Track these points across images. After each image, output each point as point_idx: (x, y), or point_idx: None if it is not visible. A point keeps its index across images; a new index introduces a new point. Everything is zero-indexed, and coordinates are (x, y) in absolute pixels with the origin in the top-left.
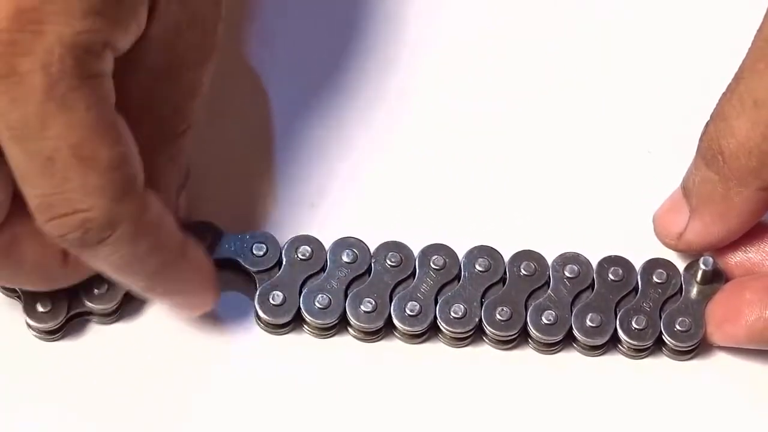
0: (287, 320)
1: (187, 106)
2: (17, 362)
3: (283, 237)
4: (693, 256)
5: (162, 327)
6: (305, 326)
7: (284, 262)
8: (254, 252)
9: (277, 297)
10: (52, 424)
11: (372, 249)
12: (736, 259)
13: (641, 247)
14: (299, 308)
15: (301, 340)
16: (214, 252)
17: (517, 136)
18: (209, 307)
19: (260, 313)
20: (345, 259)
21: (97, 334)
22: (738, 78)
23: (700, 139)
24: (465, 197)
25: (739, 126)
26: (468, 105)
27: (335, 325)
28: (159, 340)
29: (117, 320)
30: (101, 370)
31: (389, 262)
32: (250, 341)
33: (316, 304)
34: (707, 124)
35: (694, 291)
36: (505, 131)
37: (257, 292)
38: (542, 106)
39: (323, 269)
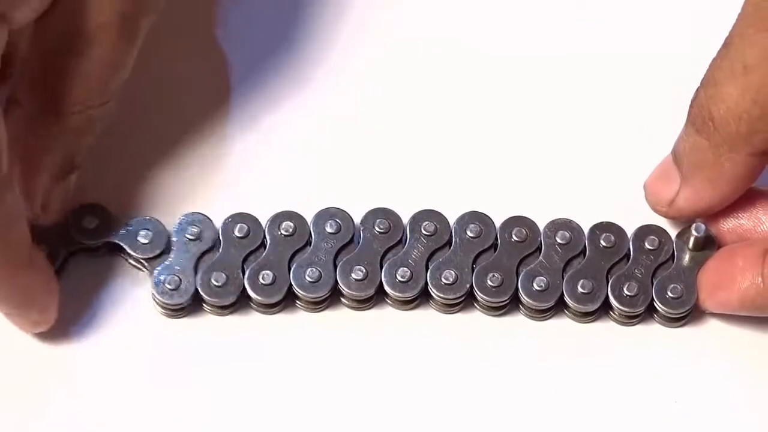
0: (279, 298)
1: (92, 81)
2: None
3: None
4: (685, 222)
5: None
6: (298, 302)
7: (268, 240)
8: (139, 240)
9: (267, 276)
10: None
11: (355, 217)
12: (728, 226)
13: (633, 214)
14: (290, 285)
15: (295, 318)
16: (103, 235)
17: (508, 101)
18: (46, 325)
19: (252, 294)
20: (329, 230)
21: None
22: (727, 44)
23: (691, 106)
24: (456, 163)
25: (729, 92)
26: (458, 70)
27: (328, 297)
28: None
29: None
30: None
31: (378, 229)
32: (243, 324)
33: (307, 278)
34: (697, 91)
35: (686, 258)
36: (497, 97)
37: (246, 274)
38: (534, 71)
39: (308, 243)
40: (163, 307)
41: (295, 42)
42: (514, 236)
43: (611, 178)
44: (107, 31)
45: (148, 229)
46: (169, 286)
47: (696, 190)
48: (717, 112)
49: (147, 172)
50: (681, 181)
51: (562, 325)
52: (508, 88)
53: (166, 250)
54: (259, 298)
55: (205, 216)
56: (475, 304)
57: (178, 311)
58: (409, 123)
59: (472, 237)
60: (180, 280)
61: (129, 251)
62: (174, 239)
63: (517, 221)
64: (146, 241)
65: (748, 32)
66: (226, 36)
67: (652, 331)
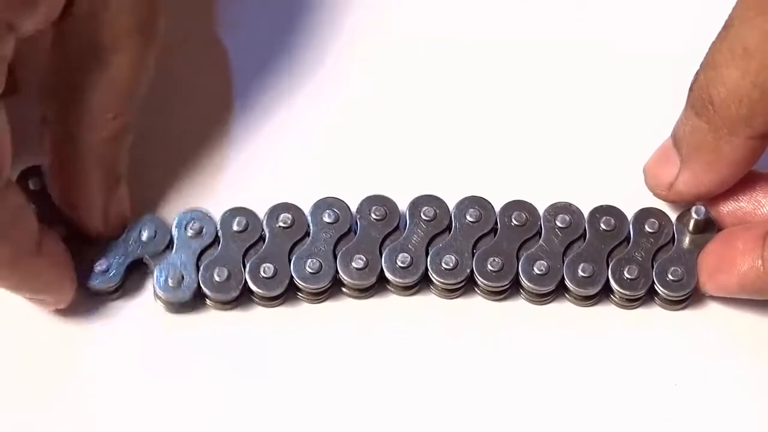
0: (281, 291)
1: (119, 89)
2: None
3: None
4: (685, 205)
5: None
6: (299, 293)
7: (267, 234)
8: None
9: (268, 270)
10: None
11: (353, 206)
12: (728, 209)
13: (633, 197)
14: (291, 277)
15: (297, 310)
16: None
17: (507, 85)
18: (64, 304)
19: (254, 288)
20: (327, 219)
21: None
22: (728, 26)
23: (690, 89)
24: (455, 148)
25: (728, 74)
26: (456, 54)
27: (329, 287)
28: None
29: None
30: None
31: (374, 216)
32: (246, 318)
33: (308, 269)
34: (697, 73)
35: (687, 240)
36: (495, 81)
37: (248, 268)
38: (533, 54)
39: (307, 234)
40: (165, 303)
41: (291, 32)
42: (513, 220)
43: (611, 161)
44: (128, 37)
45: (149, 226)
46: (171, 283)
47: (695, 173)
48: (717, 95)
49: (142, 169)
50: (680, 165)
51: (562, 308)
52: (507, 72)
53: (169, 247)
54: (261, 291)
55: (205, 211)
56: (476, 289)
57: (181, 307)
58: (406, 108)
59: (471, 222)
60: (182, 276)
61: (132, 248)
62: (174, 235)
63: (516, 205)
64: (148, 238)
65: (748, 15)
66: (220, 28)
67: (653, 314)
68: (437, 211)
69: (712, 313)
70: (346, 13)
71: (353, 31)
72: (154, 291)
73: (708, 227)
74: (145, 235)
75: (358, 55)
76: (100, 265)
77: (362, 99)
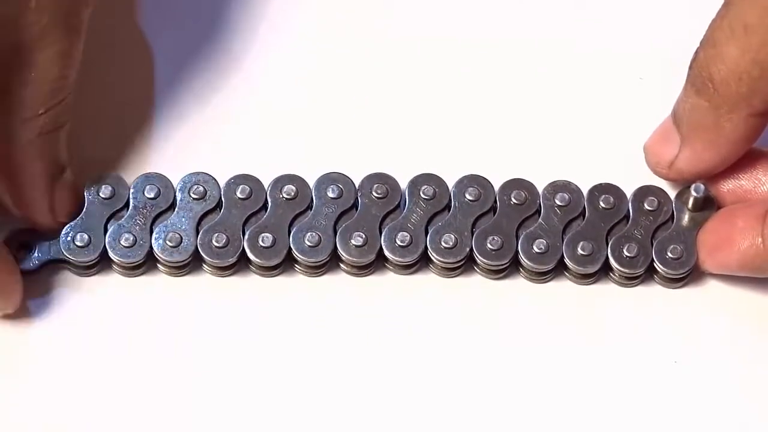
0: (278, 261)
1: (47, 84)
2: None
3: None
4: (684, 183)
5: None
6: (297, 266)
7: (270, 203)
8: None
9: (266, 239)
10: None
11: (358, 183)
12: (728, 187)
13: (632, 175)
14: (290, 248)
15: (294, 281)
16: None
17: (505, 63)
18: (11, 309)
19: (251, 256)
20: (330, 194)
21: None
22: (728, 4)
23: (690, 67)
24: (454, 127)
25: (729, 52)
26: (454, 32)
27: (327, 262)
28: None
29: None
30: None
31: (375, 194)
32: (242, 285)
33: (306, 242)
34: (697, 51)
35: (686, 218)
36: (493, 59)
37: (246, 236)
38: (531, 32)
39: (309, 207)
40: (162, 264)
41: (295, 7)
42: (513, 199)
43: (610, 139)
44: (51, 33)
45: (154, 184)
46: (169, 244)
47: (696, 151)
48: (717, 73)
49: (153, 131)
50: (681, 143)
51: (562, 287)
52: (506, 49)
53: (171, 207)
54: (258, 260)
55: (211, 176)
56: (475, 268)
57: (178, 269)
58: (408, 87)
59: (471, 200)
60: (181, 238)
61: (134, 205)
62: (178, 197)
63: (516, 184)
64: (152, 196)
65: None
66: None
67: (652, 292)
68: (436, 189)
69: (711, 291)
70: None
71: (363, 18)
72: (152, 250)
73: (707, 205)
74: (150, 194)
75: (367, 38)
76: (126, 240)
77: (370, 76)
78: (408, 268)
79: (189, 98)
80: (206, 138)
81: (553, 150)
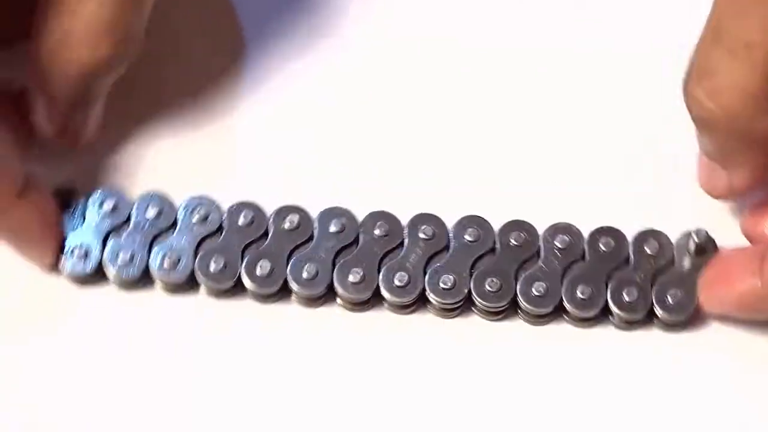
0: (274, 290)
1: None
2: None
3: (270, 207)
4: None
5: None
6: (293, 296)
7: (271, 232)
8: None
9: (264, 267)
10: None
11: (360, 219)
12: None
13: (633, 218)
14: (286, 278)
15: (289, 310)
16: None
17: (506, 105)
18: (45, 261)
19: (247, 283)
20: (333, 228)
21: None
22: (716, 30)
23: (689, 109)
24: (455, 167)
25: (734, 76)
26: (459, 72)
27: (323, 295)
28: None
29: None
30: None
31: (377, 232)
32: (237, 309)
33: (304, 273)
34: (689, 90)
35: (687, 263)
36: (495, 101)
37: (244, 262)
38: (532, 74)
39: (310, 239)
40: (162, 282)
41: (307, 36)
42: (512, 240)
43: (612, 181)
44: None
45: (156, 203)
46: (167, 263)
47: (744, 172)
48: (726, 102)
49: (157, 152)
50: (726, 172)
51: (561, 330)
52: (509, 90)
53: (172, 227)
54: (253, 287)
55: (213, 200)
56: (474, 309)
57: (174, 289)
58: (406, 126)
59: (470, 241)
60: (179, 258)
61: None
62: (179, 218)
63: (516, 225)
64: (154, 215)
65: (736, 8)
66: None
67: (652, 336)
68: (435, 230)
69: (711, 335)
70: (358, 23)
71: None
72: (149, 269)
73: (709, 249)
74: (152, 213)
75: (377, 66)
76: (123, 256)
77: (376, 112)
78: (405, 308)
79: (200, 120)
80: (212, 162)
81: (554, 192)
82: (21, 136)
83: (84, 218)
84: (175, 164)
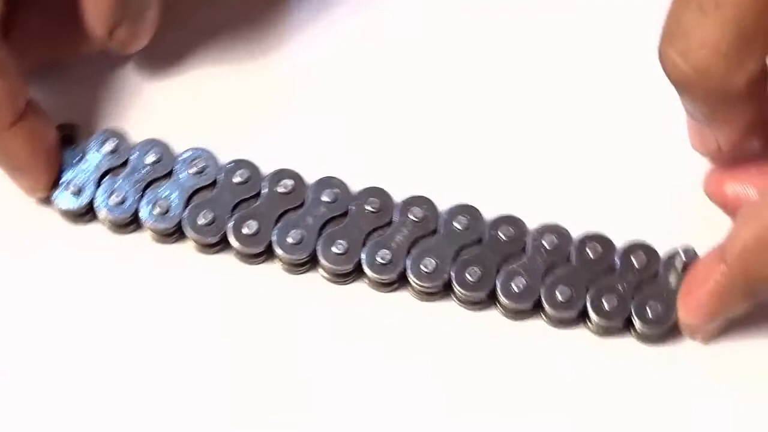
0: (258, 251)
1: None
2: None
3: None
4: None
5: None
6: (278, 259)
7: (264, 193)
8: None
9: (251, 227)
10: None
11: (354, 192)
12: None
13: (626, 227)
14: (271, 241)
15: (272, 273)
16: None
17: (515, 101)
18: (38, 190)
19: (231, 240)
20: (325, 198)
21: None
22: None
23: (665, 70)
24: (459, 156)
25: (705, 32)
26: (474, 64)
27: (306, 262)
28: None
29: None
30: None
31: (369, 208)
32: (221, 265)
33: (289, 238)
34: (664, 51)
35: (672, 279)
36: (501, 95)
37: (232, 220)
38: (536, 70)
39: (301, 205)
40: (149, 229)
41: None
42: (500, 234)
43: (610, 188)
44: None
45: (156, 150)
46: (157, 210)
47: (730, 131)
48: (700, 60)
49: (171, 99)
50: (711, 132)
51: (537, 327)
52: (518, 86)
53: (167, 176)
54: (238, 245)
55: (212, 154)
56: (453, 297)
57: (163, 236)
58: (415, 108)
59: (459, 228)
60: (169, 207)
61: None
62: (176, 167)
63: (507, 220)
64: (152, 161)
65: None
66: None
67: (627, 345)
68: (426, 213)
69: (686, 350)
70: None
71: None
72: (137, 214)
73: None
74: (151, 159)
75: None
76: (115, 197)
77: (396, 95)
78: (385, 286)
79: (214, 78)
80: (213, 108)
81: (552, 192)
82: (30, 59)
83: (84, 156)
84: (181, 114)
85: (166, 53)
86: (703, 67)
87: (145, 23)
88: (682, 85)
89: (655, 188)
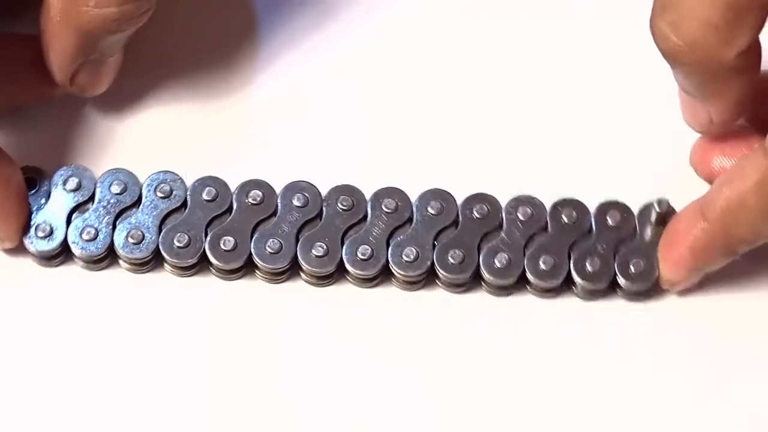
0: (239, 265)
1: None
2: None
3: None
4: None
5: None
6: (257, 271)
7: (235, 207)
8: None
9: (228, 242)
10: None
11: (323, 193)
12: (719, 165)
13: (595, 189)
14: (251, 253)
15: (254, 286)
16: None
17: (469, 76)
18: (9, 237)
19: (211, 258)
20: (296, 203)
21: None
22: None
23: (657, 42)
24: (417, 141)
25: (695, 6)
26: (423, 46)
27: (287, 269)
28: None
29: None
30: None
31: (341, 206)
32: (202, 286)
33: (267, 248)
34: (655, 24)
35: (649, 233)
36: (458, 72)
37: (208, 238)
38: (498, 49)
39: (274, 213)
40: (124, 260)
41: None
42: (475, 213)
43: (573, 152)
44: None
45: (121, 180)
46: (131, 240)
47: (721, 104)
48: (688, 33)
49: (124, 126)
50: (704, 105)
51: (524, 301)
52: (471, 64)
53: (136, 204)
54: (218, 263)
55: (178, 176)
56: (437, 282)
57: (139, 266)
58: (369, 99)
59: (433, 214)
60: (143, 235)
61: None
62: (144, 194)
63: (478, 198)
64: (118, 191)
65: None
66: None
67: (615, 306)
68: (399, 203)
69: (675, 304)
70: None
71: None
72: (113, 246)
73: (670, 219)
74: (116, 189)
75: (353, 50)
76: (87, 233)
77: (346, 93)
78: (369, 282)
79: (167, 98)
80: (178, 138)
81: (517, 165)
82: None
83: (49, 196)
84: (138, 141)
85: (126, 93)
86: (693, 40)
87: (107, 68)
88: (673, 57)
89: (634, 157)
